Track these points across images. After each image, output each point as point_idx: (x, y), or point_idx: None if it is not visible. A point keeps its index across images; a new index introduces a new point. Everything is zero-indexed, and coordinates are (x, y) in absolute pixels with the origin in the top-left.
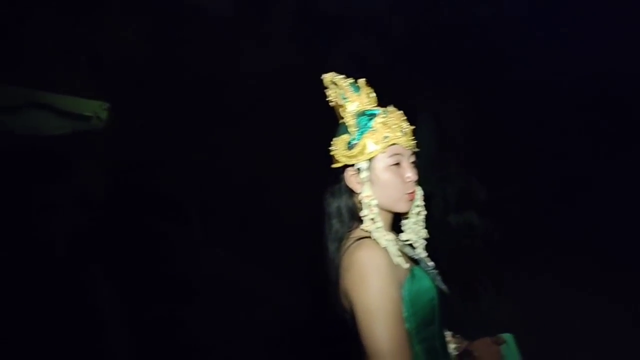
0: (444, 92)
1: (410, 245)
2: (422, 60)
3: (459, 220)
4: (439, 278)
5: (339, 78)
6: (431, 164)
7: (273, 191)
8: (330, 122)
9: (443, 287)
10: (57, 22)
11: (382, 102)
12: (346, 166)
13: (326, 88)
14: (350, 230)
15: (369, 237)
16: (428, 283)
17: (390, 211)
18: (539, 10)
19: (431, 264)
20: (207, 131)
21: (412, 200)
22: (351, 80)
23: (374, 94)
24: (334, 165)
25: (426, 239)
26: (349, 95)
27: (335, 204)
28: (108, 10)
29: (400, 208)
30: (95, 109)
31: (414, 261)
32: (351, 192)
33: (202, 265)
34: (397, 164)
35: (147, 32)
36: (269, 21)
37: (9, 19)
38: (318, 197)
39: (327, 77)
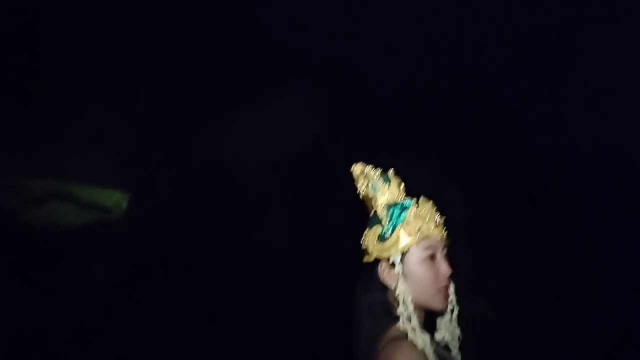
0: (449, 174)
1: (445, 346)
2: (430, 148)
3: (471, 310)
4: None
5: (368, 169)
6: None
7: (284, 278)
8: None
9: None
10: (72, 109)
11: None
12: (378, 260)
13: (355, 180)
14: (384, 330)
15: (405, 337)
16: None
17: (425, 308)
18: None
19: None
20: (218, 215)
21: (447, 296)
22: (380, 171)
23: (404, 185)
24: (366, 259)
25: (459, 339)
26: (379, 187)
27: (367, 301)
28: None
29: (436, 305)
30: (118, 200)
31: None
32: (384, 288)
33: None
34: (432, 257)
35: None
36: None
37: (29, 108)
38: (330, 285)
39: (357, 169)
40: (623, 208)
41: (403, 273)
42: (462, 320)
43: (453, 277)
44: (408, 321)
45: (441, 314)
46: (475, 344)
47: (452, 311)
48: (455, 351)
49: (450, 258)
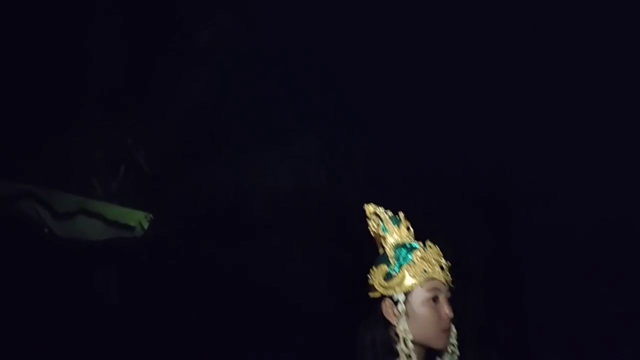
0: (462, 220)
1: None
2: (441, 188)
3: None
4: None
5: (380, 210)
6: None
7: (291, 307)
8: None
9: None
10: (104, 131)
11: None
12: (383, 296)
13: (368, 218)
14: None
15: None
16: None
17: (425, 347)
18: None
19: None
20: (230, 244)
21: (447, 337)
22: (390, 213)
23: (412, 229)
24: (371, 295)
25: None
26: (389, 227)
27: (370, 335)
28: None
29: (437, 345)
30: (140, 219)
31: None
32: (387, 324)
33: None
34: (435, 299)
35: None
36: (294, 141)
37: (60, 129)
38: (336, 315)
39: (370, 209)
40: None
41: (406, 312)
42: None
43: (454, 320)
44: (408, 358)
45: (441, 353)
46: None
47: (452, 353)
48: None
49: (453, 302)
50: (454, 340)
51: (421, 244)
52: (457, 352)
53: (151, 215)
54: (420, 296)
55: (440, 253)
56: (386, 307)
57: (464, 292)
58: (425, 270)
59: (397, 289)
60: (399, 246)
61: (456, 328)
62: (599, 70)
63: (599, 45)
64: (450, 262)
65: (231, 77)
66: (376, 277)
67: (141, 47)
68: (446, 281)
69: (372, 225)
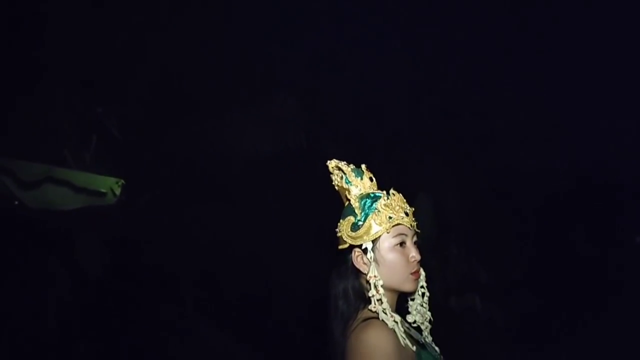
0: (442, 173)
1: (416, 328)
2: (421, 143)
3: (461, 304)
4: None
5: (342, 164)
6: (430, 246)
7: (272, 271)
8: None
9: None
10: (74, 101)
11: (381, 183)
12: (352, 247)
13: (330, 173)
14: (357, 312)
15: (376, 317)
16: None
17: (396, 291)
18: (535, 94)
19: (437, 349)
20: (209, 209)
21: (417, 279)
22: (353, 166)
23: (374, 179)
24: (341, 247)
25: (431, 322)
26: (352, 179)
27: (342, 285)
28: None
29: (406, 288)
30: (111, 185)
31: (420, 345)
32: (357, 273)
33: (196, 346)
34: (402, 244)
35: (154, 113)
36: (271, 104)
37: (29, 96)
38: (318, 277)
39: (332, 163)
40: None
41: (375, 259)
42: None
43: (422, 263)
44: (379, 303)
45: (411, 296)
46: (461, 336)
47: (423, 295)
48: (425, 333)
49: (420, 245)
50: (423, 282)
51: (384, 192)
52: (427, 293)
53: (123, 181)
54: (387, 242)
55: (404, 199)
56: (355, 257)
57: (447, 242)
58: (390, 217)
59: (365, 237)
60: (363, 197)
61: (440, 277)
62: None
63: None
64: (433, 214)
65: (202, 40)
66: (344, 229)
67: (106, 11)
68: (412, 226)
69: (335, 179)
